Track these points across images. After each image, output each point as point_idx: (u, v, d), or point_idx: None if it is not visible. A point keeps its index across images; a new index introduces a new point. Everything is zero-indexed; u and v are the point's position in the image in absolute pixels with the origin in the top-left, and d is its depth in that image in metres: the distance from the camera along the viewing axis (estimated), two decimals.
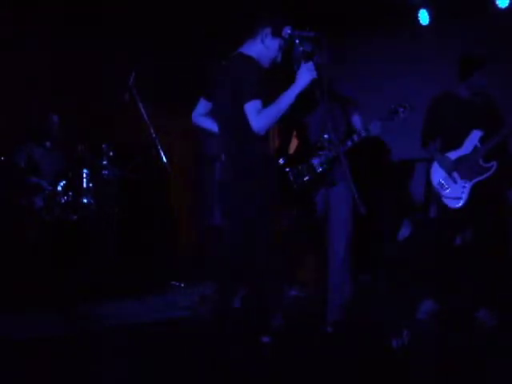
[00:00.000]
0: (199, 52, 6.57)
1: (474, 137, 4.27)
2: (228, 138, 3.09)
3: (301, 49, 3.05)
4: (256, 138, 2.96)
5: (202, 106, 3.32)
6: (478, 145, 4.25)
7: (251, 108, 2.88)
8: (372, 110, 4.63)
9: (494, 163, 4.21)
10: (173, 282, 5.55)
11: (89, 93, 5.93)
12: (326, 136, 3.72)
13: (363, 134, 3.71)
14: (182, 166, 6.63)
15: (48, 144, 5.39)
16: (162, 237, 6.37)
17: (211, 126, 3.30)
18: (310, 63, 3.00)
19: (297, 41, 3.05)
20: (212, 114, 3.30)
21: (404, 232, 5.50)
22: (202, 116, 3.34)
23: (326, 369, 3.28)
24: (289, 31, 3.04)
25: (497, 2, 5.09)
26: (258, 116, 2.87)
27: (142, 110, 4.93)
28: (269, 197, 3.01)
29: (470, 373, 3.30)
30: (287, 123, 3.83)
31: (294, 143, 3.88)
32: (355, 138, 3.71)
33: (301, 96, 3.03)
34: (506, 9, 5.11)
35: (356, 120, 3.84)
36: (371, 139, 3.97)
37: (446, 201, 4.34)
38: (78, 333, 4.06)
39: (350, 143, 3.69)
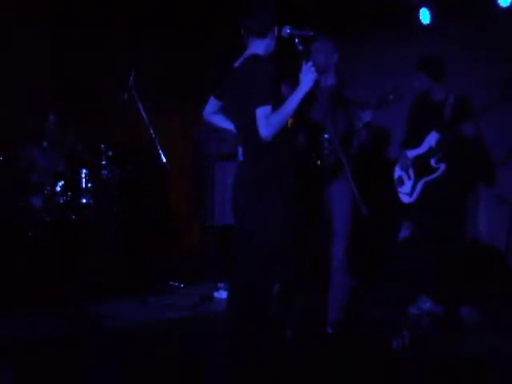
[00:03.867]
0: (199, 52, 6.59)
1: (431, 138, 4.43)
2: (246, 140, 3.06)
3: (300, 48, 3.04)
4: (275, 140, 2.94)
5: (212, 104, 3.28)
6: (433, 145, 4.41)
7: (261, 114, 2.85)
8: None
9: (442, 165, 4.38)
10: (172, 283, 5.55)
11: (89, 93, 5.92)
12: (326, 136, 3.71)
13: (358, 123, 3.73)
14: (181, 165, 6.63)
15: (45, 144, 5.38)
16: (161, 237, 6.37)
17: (223, 123, 3.27)
18: (310, 63, 2.98)
19: (296, 40, 3.03)
20: (223, 111, 3.28)
21: (404, 232, 5.50)
22: (214, 114, 3.29)
23: (326, 369, 3.28)
24: (288, 30, 3.03)
25: (498, 1, 5.07)
26: (266, 122, 2.85)
27: (142, 110, 4.92)
28: (285, 198, 3.00)
29: (469, 373, 3.30)
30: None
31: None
32: (355, 128, 3.74)
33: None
34: (507, 8, 5.09)
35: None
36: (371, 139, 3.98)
37: (400, 196, 4.65)
38: (78, 333, 4.06)
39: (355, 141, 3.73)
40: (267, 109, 2.86)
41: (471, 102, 4.40)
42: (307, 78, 2.95)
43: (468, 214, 4.89)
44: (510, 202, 5.06)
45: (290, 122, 3.62)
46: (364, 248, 4.96)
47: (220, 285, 5.31)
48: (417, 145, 4.55)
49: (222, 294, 5.15)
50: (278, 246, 2.99)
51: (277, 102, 2.92)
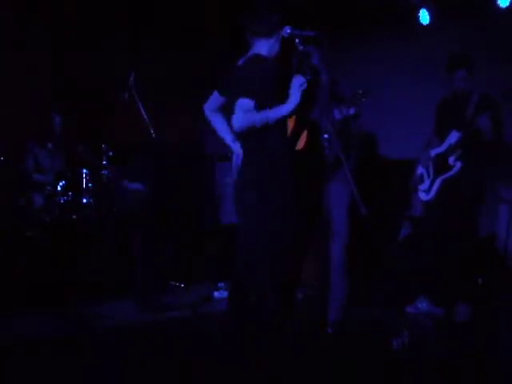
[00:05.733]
0: (199, 52, 6.58)
1: (452, 136, 4.46)
2: (245, 140, 3.06)
3: (301, 48, 3.03)
4: (274, 138, 2.95)
5: (215, 99, 3.22)
6: (453, 144, 4.44)
7: (241, 104, 2.84)
8: (372, 110, 4.63)
9: (458, 163, 4.41)
10: (172, 282, 5.55)
11: (89, 93, 5.92)
12: (326, 136, 3.71)
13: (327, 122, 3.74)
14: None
15: (50, 145, 5.38)
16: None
17: (220, 126, 3.24)
18: (300, 78, 2.96)
19: (297, 40, 3.03)
20: (223, 110, 3.26)
21: (404, 232, 5.50)
22: (214, 111, 3.24)
23: (326, 369, 3.28)
24: (289, 30, 3.03)
25: (498, 2, 5.08)
26: (242, 116, 2.83)
27: (142, 109, 4.92)
28: (285, 198, 3.00)
29: (469, 373, 3.30)
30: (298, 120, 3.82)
31: (302, 139, 3.87)
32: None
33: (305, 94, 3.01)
34: (506, 8, 5.09)
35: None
36: (369, 139, 3.99)
37: (420, 193, 4.68)
38: (77, 333, 4.06)
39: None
40: (248, 102, 2.83)
41: (495, 100, 4.39)
42: (296, 95, 2.93)
43: (483, 215, 4.89)
44: (509, 200, 5.07)
45: (290, 125, 3.65)
46: (364, 248, 4.96)
47: (220, 285, 5.31)
48: (439, 144, 4.59)
49: (222, 294, 5.15)
50: (279, 246, 2.99)
51: (276, 103, 2.93)
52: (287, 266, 3.06)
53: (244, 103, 2.85)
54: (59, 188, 5.09)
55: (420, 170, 4.71)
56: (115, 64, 5.90)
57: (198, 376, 3.20)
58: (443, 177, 4.48)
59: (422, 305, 4.53)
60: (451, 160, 4.44)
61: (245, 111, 2.84)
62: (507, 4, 5.07)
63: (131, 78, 4.95)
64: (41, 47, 5.80)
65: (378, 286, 5.08)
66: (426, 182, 4.62)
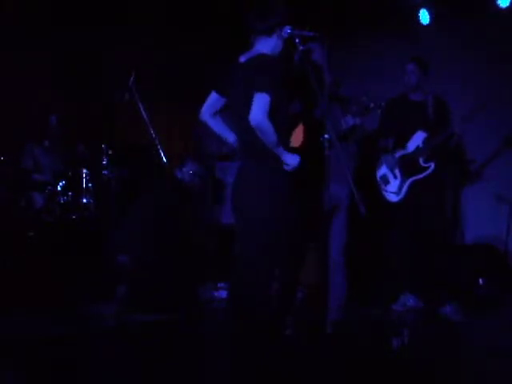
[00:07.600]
0: (199, 52, 6.59)
1: (418, 137, 4.50)
2: (246, 140, 3.05)
3: (301, 48, 3.04)
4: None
5: (213, 100, 3.16)
6: (421, 145, 4.48)
7: (259, 99, 2.82)
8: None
9: (432, 164, 4.44)
10: None
11: (89, 93, 5.92)
12: (326, 136, 3.71)
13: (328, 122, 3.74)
14: (181, 165, 6.61)
15: (47, 143, 5.39)
16: None
17: (219, 126, 3.20)
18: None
19: (297, 40, 3.04)
20: (224, 111, 3.24)
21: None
22: (211, 115, 3.18)
23: (326, 369, 3.28)
24: (289, 30, 3.03)
25: (497, 2, 5.09)
26: (263, 114, 2.81)
27: (142, 110, 4.92)
28: (286, 199, 3.00)
29: (469, 373, 3.30)
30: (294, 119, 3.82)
31: (298, 137, 3.86)
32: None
33: (304, 94, 3.02)
34: (506, 8, 5.10)
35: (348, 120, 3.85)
36: (369, 139, 4.00)
37: (385, 194, 4.66)
38: (78, 333, 4.06)
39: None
40: (265, 97, 2.81)
41: (447, 103, 4.56)
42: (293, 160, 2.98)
43: (462, 213, 4.95)
44: (509, 200, 5.08)
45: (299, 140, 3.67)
46: (364, 248, 4.96)
47: (220, 285, 5.31)
48: (401, 144, 4.60)
49: (222, 294, 5.15)
50: (278, 246, 3.00)
51: (283, 101, 2.94)
52: (287, 265, 3.07)
53: (262, 98, 2.82)
54: (59, 188, 5.09)
55: (383, 170, 4.70)
56: (115, 64, 5.90)
57: (197, 376, 3.20)
58: (415, 178, 4.49)
59: (409, 301, 4.54)
60: (421, 161, 4.46)
61: (264, 106, 2.82)
62: (507, 4, 5.08)
63: (131, 78, 4.95)
64: (41, 47, 5.80)
65: (378, 286, 5.09)
66: (394, 184, 4.60)
